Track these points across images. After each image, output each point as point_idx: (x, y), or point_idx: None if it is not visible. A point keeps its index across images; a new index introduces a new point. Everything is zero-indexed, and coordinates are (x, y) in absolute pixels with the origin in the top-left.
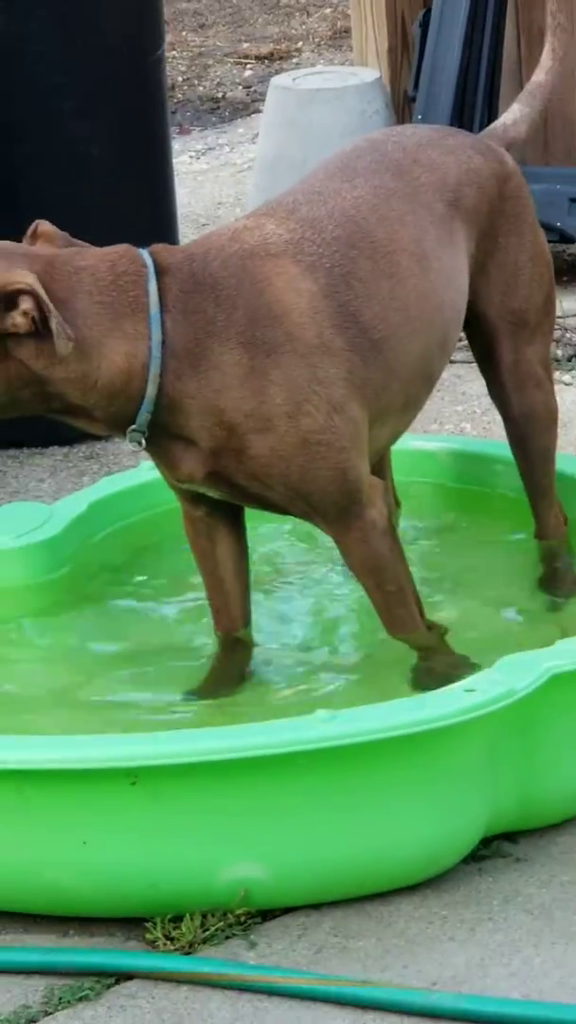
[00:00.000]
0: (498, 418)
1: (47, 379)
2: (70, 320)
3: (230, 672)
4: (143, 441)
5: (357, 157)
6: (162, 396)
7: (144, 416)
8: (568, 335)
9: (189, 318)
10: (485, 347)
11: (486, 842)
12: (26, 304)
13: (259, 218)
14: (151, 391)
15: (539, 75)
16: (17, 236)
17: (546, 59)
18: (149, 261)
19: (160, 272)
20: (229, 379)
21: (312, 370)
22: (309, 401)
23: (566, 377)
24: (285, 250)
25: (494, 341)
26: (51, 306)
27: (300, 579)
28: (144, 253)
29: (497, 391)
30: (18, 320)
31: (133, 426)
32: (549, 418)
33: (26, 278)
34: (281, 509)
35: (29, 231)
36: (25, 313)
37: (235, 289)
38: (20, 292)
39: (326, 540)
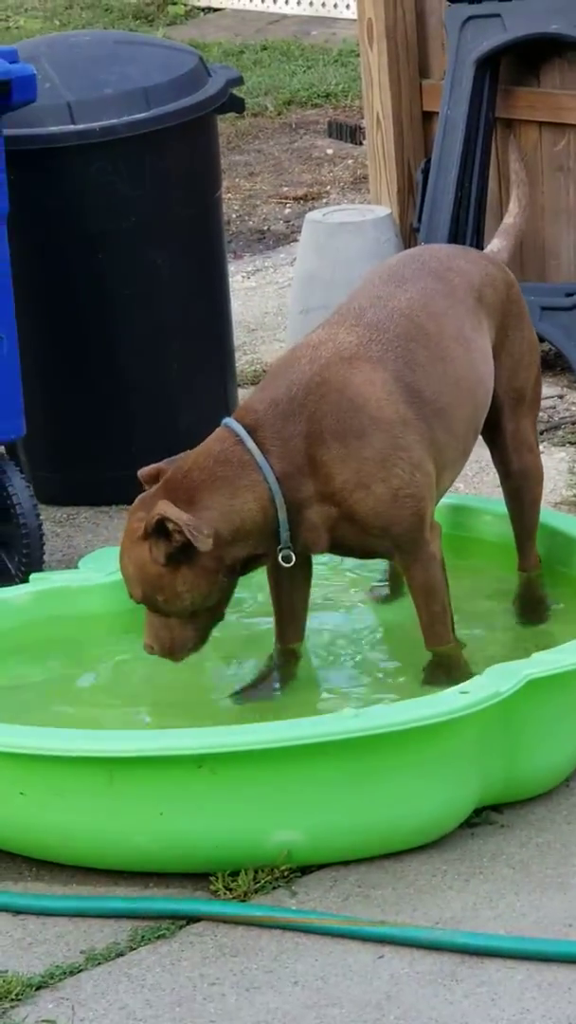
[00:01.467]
0: (485, 479)
1: (225, 558)
2: (204, 509)
3: (283, 676)
4: (293, 556)
5: (403, 266)
6: (291, 511)
7: (285, 535)
8: (543, 414)
9: (290, 447)
10: (492, 418)
11: (477, 812)
12: (169, 525)
13: (332, 328)
14: (282, 516)
15: (508, 218)
16: (110, 338)
17: (513, 206)
18: (238, 427)
19: (252, 429)
20: (335, 469)
21: (395, 440)
22: (396, 465)
23: (541, 447)
24: (356, 352)
25: (500, 413)
26: (181, 518)
27: (330, 602)
28: (231, 423)
29: (499, 453)
30: (176, 537)
31: (279, 545)
32: (539, 476)
33: (161, 508)
34: (370, 551)
35: (153, 473)
36: (175, 531)
37: (320, 401)
38: (162, 519)
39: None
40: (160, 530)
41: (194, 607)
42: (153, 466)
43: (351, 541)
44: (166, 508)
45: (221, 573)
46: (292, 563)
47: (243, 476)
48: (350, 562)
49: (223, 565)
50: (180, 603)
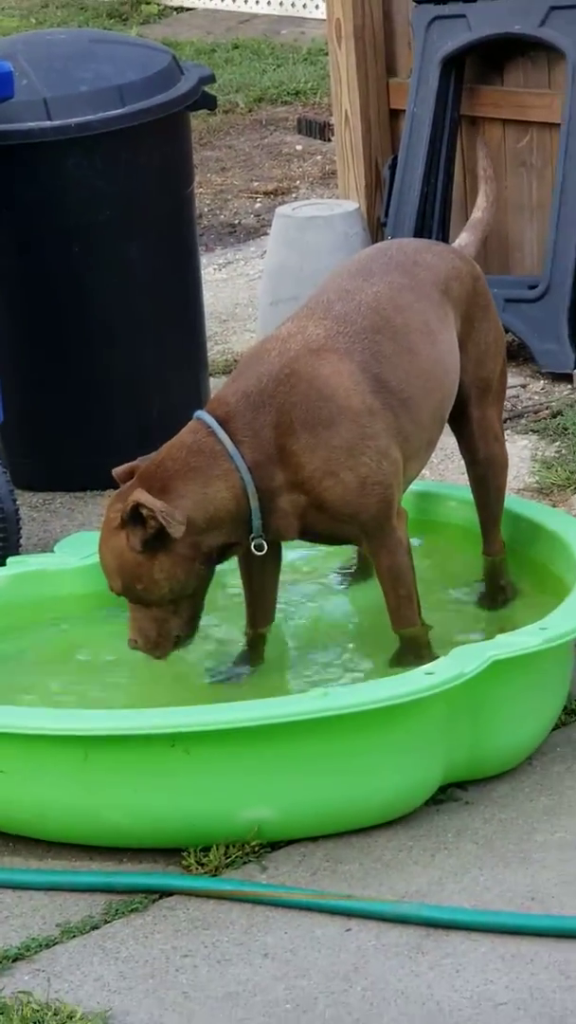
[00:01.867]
0: (451, 466)
1: (200, 545)
2: (178, 498)
3: (253, 658)
4: (264, 544)
5: (371, 261)
6: (262, 500)
7: (257, 522)
8: (507, 403)
9: (261, 437)
10: (459, 407)
11: (443, 789)
12: (144, 511)
13: (300, 321)
14: (254, 504)
15: (477, 213)
16: (86, 328)
17: (481, 201)
18: (210, 419)
19: (223, 420)
20: (304, 458)
21: (362, 429)
22: (364, 453)
23: (505, 435)
24: (324, 344)
25: (467, 402)
26: (155, 505)
27: (300, 586)
28: (203, 415)
29: (466, 441)
30: (150, 524)
31: (252, 533)
32: (503, 463)
33: (135, 496)
34: (339, 537)
35: (129, 471)
36: (149, 517)
37: (290, 392)
38: (138, 505)
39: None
40: (136, 517)
41: (172, 594)
42: (127, 464)
43: (321, 528)
44: (140, 495)
45: (197, 561)
46: (264, 551)
47: (215, 466)
48: (320, 549)
49: (199, 552)
50: (158, 590)
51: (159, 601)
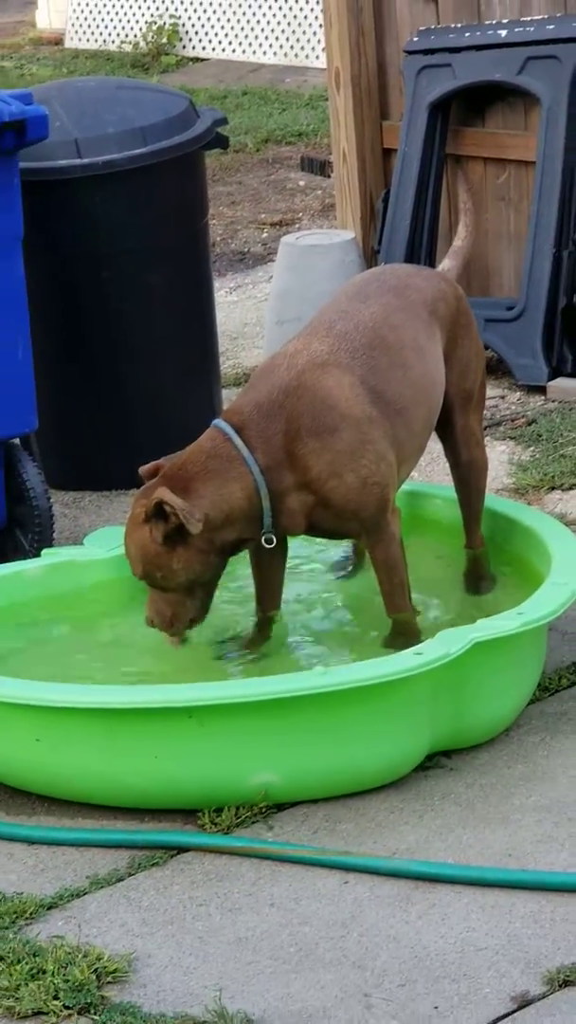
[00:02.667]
0: (436, 468)
1: (216, 540)
2: (197, 497)
3: (261, 639)
4: (274, 538)
5: (367, 284)
6: (273, 499)
7: (268, 520)
8: (487, 412)
9: (272, 443)
10: (444, 415)
11: (430, 757)
12: (166, 508)
13: (305, 338)
14: (266, 504)
15: (458, 242)
16: (112, 344)
17: (461, 231)
18: (226, 427)
19: (239, 428)
20: (311, 462)
21: (363, 435)
22: (364, 456)
23: (485, 441)
24: (327, 359)
25: (451, 411)
26: (176, 503)
27: (303, 576)
28: (220, 423)
29: (450, 446)
30: (172, 519)
31: (263, 530)
32: (484, 466)
33: (159, 494)
34: (341, 533)
35: (153, 469)
36: (171, 513)
37: (297, 403)
38: (161, 503)
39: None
40: (158, 513)
41: (188, 583)
42: (152, 463)
43: (325, 524)
44: (164, 494)
45: (212, 553)
46: (273, 544)
47: (231, 469)
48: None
49: (214, 546)
50: (176, 579)
51: (176, 588)
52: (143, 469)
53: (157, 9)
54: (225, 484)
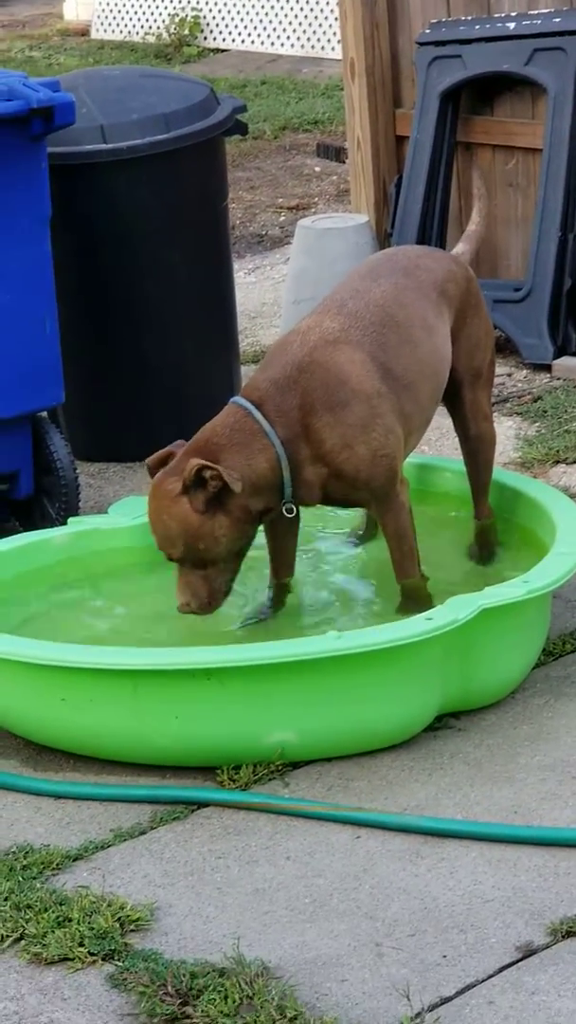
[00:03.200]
0: (446, 443)
1: (247, 505)
2: (228, 466)
3: (276, 605)
4: (294, 508)
5: (378, 264)
6: (292, 471)
7: (288, 490)
8: (495, 389)
9: (289, 417)
10: (453, 391)
11: (439, 718)
12: (207, 473)
13: (318, 316)
14: (287, 475)
15: (471, 227)
16: (136, 322)
17: (475, 216)
18: (246, 403)
19: (258, 404)
20: (325, 435)
21: (373, 408)
22: (374, 429)
23: (493, 416)
24: (339, 337)
25: (460, 387)
26: (217, 466)
27: (317, 544)
28: (240, 400)
29: (460, 421)
30: (212, 484)
31: (283, 500)
32: (492, 440)
33: (196, 461)
34: (353, 502)
35: (162, 457)
36: (212, 478)
37: (311, 378)
38: (201, 468)
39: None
40: (198, 481)
41: (228, 552)
42: (159, 452)
43: (338, 494)
44: (201, 460)
45: (248, 522)
46: (293, 514)
47: (256, 442)
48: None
49: (248, 515)
50: (217, 548)
51: (216, 559)
52: (151, 460)
53: (179, 2)
54: (252, 455)
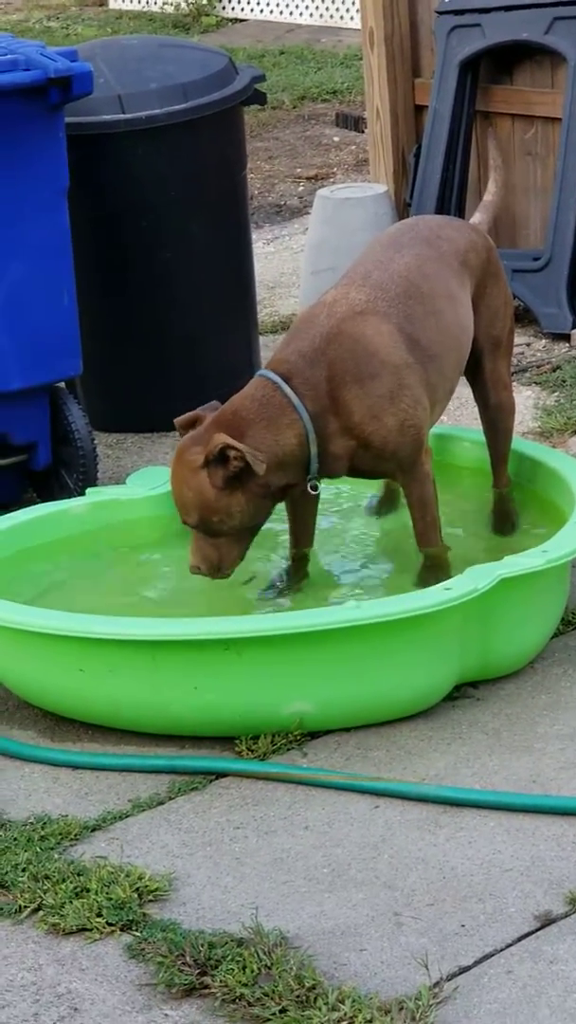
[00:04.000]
0: (465, 412)
1: (269, 483)
2: (254, 443)
3: (296, 575)
4: (317, 484)
5: (400, 235)
6: (319, 445)
7: (314, 466)
8: (514, 359)
9: (318, 390)
10: (473, 361)
11: (457, 688)
12: (231, 452)
13: (343, 288)
14: (314, 450)
15: (488, 197)
16: (154, 292)
17: (491, 186)
18: (275, 377)
19: (286, 377)
20: (353, 406)
21: (400, 379)
22: (402, 400)
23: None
24: (366, 308)
25: (480, 356)
26: (242, 447)
27: (335, 515)
28: (267, 373)
29: (479, 390)
30: (233, 463)
31: (309, 475)
32: (511, 409)
33: (221, 438)
34: (379, 473)
35: (191, 420)
36: (234, 457)
37: (339, 349)
38: (224, 447)
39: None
40: (221, 458)
41: (242, 526)
42: (189, 413)
43: (365, 465)
44: (227, 439)
45: (267, 497)
46: (317, 491)
47: (284, 416)
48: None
49: (268, 491)
50: (231, 522)
51: (229, 531)
52: (179, 420)
53: None
54: (280, 431)
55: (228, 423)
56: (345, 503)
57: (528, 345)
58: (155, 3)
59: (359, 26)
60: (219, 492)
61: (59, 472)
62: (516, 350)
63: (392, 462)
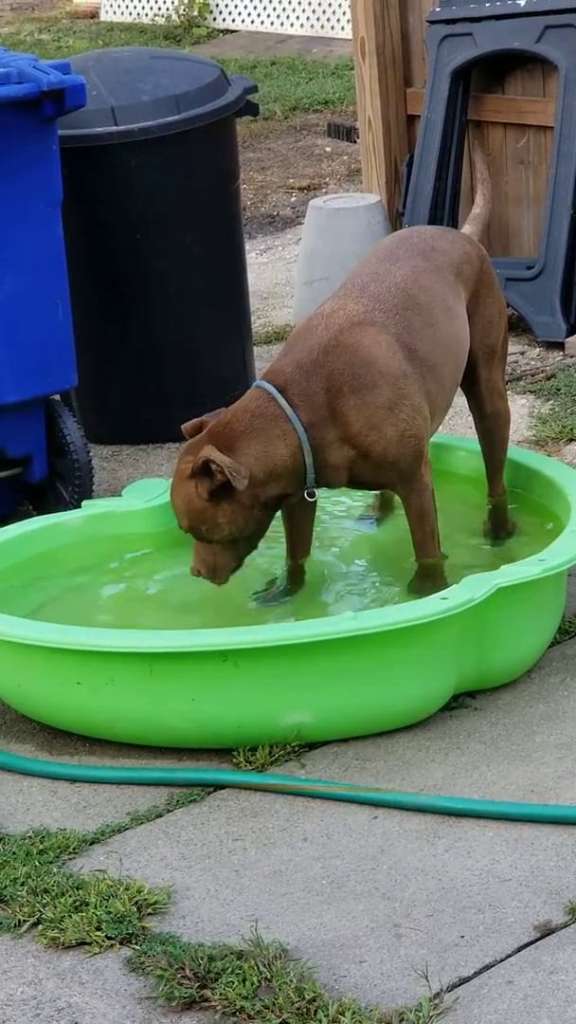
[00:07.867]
0: (460, 422)
1: (260, 495)
2: (243, 455)
3: (292, 585)
4: (315, 493)
5: (396, 247)
6: (315, 455)
7: (311, 476)
8: (508, 367)
9: (314, 400)
10: (468, 370)
11: (455, 698)
12: (214, 465)
13: (340, 299)
14: (309, 460)
15: (476, 209)
16: (148, 303)
17: (479, 199)
18: (270, 388)
19: (282, 388)
20: (352, 417)
21: (400, 390)
22: (402, 410)
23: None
24: (364, 319)
25: (475, 365)
26: (222, 460)
27: (332, 526)
28: (263, 384)
29: (474, 400)
30: (217, 477)
31: (305, 485)
32: (507, 418)
33: (205, 452)
34: (379, 483)
35: (196, 426)
36: (217, 471)
37: (337, 360)
38: (208, 461)
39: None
40: (204, 470)
41: (232, 536)
42: (196, 420)
43: (364, 476)
44: (211, 452)
45: (256, 508)
46: (315, 499)
47: (276, 427)
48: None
49: (258, 502)
50: (220, 532)
51: (220, 540)
52: (186, 426)
53: None
54: (270, 442)
55: (219, 435)
56: (341, 512)
57: (522, 354)
58: (146, 15)
59: (350, 36)
60: (205, 503)
61: (55, 484)
62: (510, 359)
63: (392, 472)
